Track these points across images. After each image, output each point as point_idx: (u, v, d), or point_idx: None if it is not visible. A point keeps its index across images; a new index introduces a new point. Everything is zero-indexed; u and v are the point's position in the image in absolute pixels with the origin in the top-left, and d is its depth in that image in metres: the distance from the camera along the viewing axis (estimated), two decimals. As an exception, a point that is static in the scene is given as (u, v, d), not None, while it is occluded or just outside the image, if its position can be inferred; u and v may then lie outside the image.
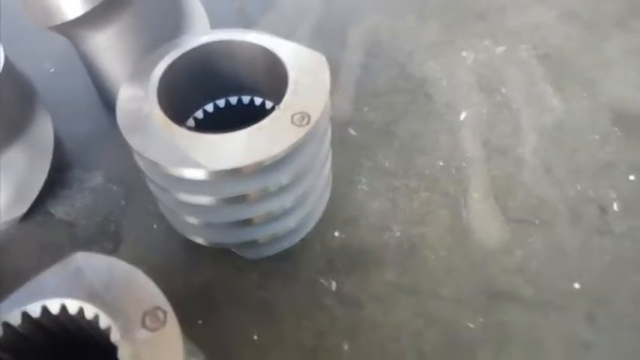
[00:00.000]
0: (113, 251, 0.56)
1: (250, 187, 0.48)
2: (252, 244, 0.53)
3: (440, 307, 0.52)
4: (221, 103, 0.57)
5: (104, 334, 0.37)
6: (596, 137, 0.64)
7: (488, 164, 0.62)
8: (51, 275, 0.38)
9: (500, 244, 0.56)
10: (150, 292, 0.37)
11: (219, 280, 0.54)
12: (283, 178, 0.48)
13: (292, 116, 0.46)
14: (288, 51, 0.51)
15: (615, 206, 0.58)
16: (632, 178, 0.61)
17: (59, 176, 0.63)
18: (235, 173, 0.45)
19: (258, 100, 0.57)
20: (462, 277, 0.54)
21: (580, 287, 0.53)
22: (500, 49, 0.74)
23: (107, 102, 0.69)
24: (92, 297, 0.37)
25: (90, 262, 0.39)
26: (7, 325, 0.37)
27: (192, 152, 0.45)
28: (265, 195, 0.48)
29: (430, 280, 0.54)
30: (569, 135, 0.65)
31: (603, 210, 0.58)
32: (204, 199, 0.49)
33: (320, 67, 0.50)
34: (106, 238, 0.58)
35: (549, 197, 0.59)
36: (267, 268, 0.55)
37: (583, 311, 0.51)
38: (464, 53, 0.73)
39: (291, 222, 0.53)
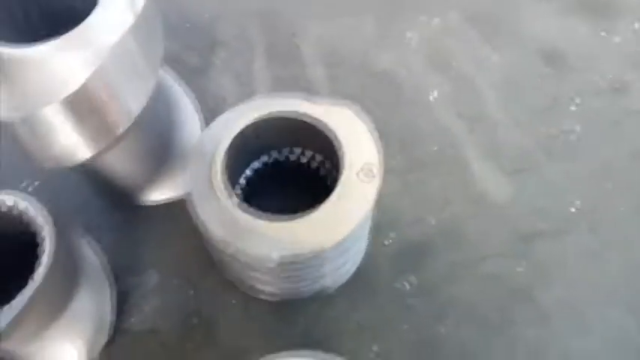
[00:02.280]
0: (210, 343, 0.61)
1: (331, 258, 0.55)
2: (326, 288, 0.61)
3: (490, 265, 0.64)
4: (280, 157, 0.63)
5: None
6: (538, 79, 0.78)
7: (472, 134, 0.73)
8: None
9: (510, 195, 0.69)
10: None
11: (320, 322, 0.61)
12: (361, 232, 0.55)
13: (357, 174, 0.53)
14: (319, 113, 0.56)
15: (574, 133, 0.73)
16: (578, 101, 0.75)
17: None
18: (320, 254, 0.52)
19: (303, 159, 0.62)
20: (496, 235, 0.66)
21: (576, 210, 0.68)
22: (436, 20, 0.83)
23: (114, 201, 0.69)
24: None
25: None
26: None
27: (269, 238, 0.50)
28: (343, 251, 0.56)
29: (474, 250, 0.65)
30: (517, 85, 0.77)
31: (566, 139, 0.73)
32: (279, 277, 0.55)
33: (351, 119, 0.56)
34: (198, 330, 0.62)
35: (526, 144, 0.72)
36: (347, 293, 0.63)
37: (585, 227, 0.66)
38: (408, 34, 0.81)
39: (358, 256, 0.61)
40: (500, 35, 0.81)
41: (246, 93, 0.77)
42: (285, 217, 0.51)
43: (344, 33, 0.82)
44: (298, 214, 0.51)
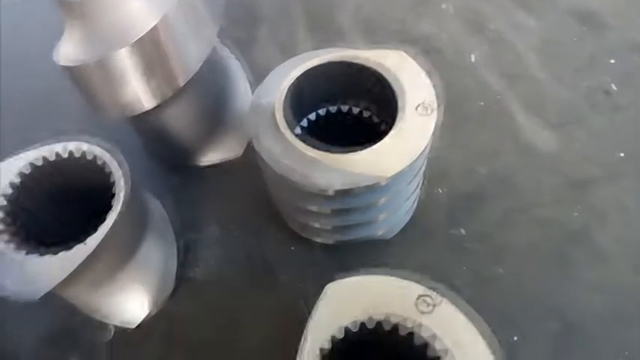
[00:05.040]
0: (273, 287, 0.62)
1: (387, 194, 0.56)
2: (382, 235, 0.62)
3: (545, 210, 0.65)
4: (332, 109, 0.64)
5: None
6: (574, 39, 0.79)
7: (514, 90, 0.75)
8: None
9: (558, 146, 0.70)
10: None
11: (378, 266, 0.62)
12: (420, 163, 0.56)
13: (416, 108, 0.54)
14: (372, 57, 0.58)
15: (613, 87, 0.74)
16: (612, 61, 0.77)
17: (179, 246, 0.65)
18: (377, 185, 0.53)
19: (355, 110, 0.63)
20: (548, 182, 0.67)
21: (624, 155, 0.69)
22: (469, -10, 0.86)
23: (171, 161, 0.71)
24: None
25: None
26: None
27: (331, 168, 0.52)
28: (399, 190, 0.57)
29: (527, 197, 0.66)
30: (556, 46, 0.79)
31: (607, 93, 0.74)
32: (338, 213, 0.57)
33: (405, 60, 0.58)
34: (262, 277, 0.63)
35: (569, 98, 0.74)
36: (403, 239, 0.64)
37: (635, 171, 0.67)
38: (443, 6, 0.84)
39: (411, 203, 0.62)
40: (533, 0, 0.84)
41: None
42: (346, 149, 0.53)
43: (381, 3, 0.85)
44: (358, 147, 0.53)
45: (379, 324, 0.45)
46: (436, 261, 0.62)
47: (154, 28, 0.52)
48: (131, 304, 0.59)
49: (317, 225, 0.60)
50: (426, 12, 0.84)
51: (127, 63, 0.53)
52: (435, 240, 0.64)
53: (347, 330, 0.45)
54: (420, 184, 0.63)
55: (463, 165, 0.69)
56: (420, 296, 0.46)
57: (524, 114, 0.73)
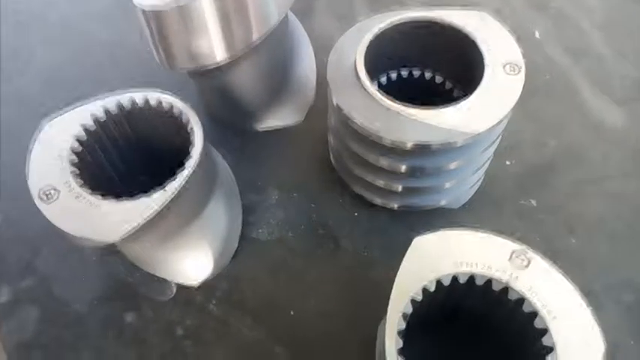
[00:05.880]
0: (336, 251, 0.61)
1: (465, 154, 0.54)
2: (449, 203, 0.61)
3: (615, 183, 0.64)
4: (404, 73, 0.63)
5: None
6: (636, 17, 0.78)
7: (579, 65, 0.73)
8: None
9: (625, 121, 0.68)
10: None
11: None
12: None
13: (503, 67, 0.53)
14: (454, 16, 0.56)
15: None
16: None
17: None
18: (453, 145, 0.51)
19: (427, 75, 0.62)
20: (617, 156, 0.66)
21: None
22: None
23: (233, 124, 0.70)
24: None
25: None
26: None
27: (410, 123, 0.50)
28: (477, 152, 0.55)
29: (596, 169, 0.65)
30: (619, 24, 0.78)
31: (673, 71, 0.73)
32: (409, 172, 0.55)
33: (488, 21, 0.56)
34: (324, 240, 0.61)
35: (632, 75, 0.72)
36: (471, 209, 0.63)
37: None
38: (505, -18, 0.83)
39: (483, 169, 0.61)
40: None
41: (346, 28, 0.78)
42: (425, 106, 0.51)
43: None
44: (439, 105, 0.51)
45: (472, 278, 0.44)
46: (508, 230, 0.60)
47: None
48: (195, 261, 0.58)
49: (386, 186, 0.59)
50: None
51: (207, 12, 0.52)
52: (505, 211, 0.62)
53: (439, 283, 0.43)
54: (491, 157, 0.62)
55: (532, 137, 0.67)
56: (514, 252, 0.44)
57: (590, 89, 0.71)
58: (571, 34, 0.77)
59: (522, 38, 0.74)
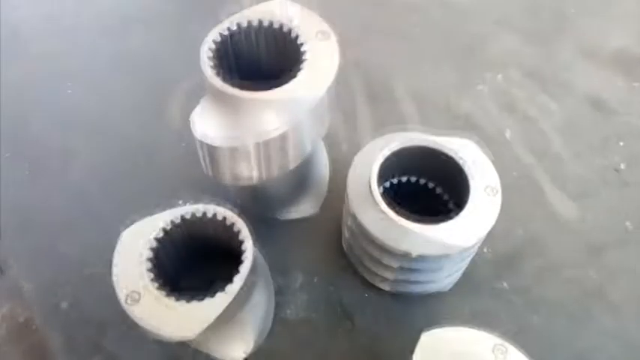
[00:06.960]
0: (352, 329, 0.74)
1: (456, 259, 0.70)
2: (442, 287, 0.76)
3: (569, 270, 0.80)
4: (403, 179, 0.78)
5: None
6: (590, 122, 0.96)
7: (541, 164, 0.90)
8: None
9: (577, 215, 0.85)
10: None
11: (438, 312, 0.76)
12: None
13: (485, 190, 0.68)
14: (445, 142, 0.71)
15: (622, 166, 0.91)
16: (623, 140, 0.93)
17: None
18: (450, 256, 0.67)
19: (428, 184, 0.77)
20: (571, 246, 0.82)
21: (631, 225, 0.84)
22: (499, 76, 1.01)
23: (259, 215, 0.83)
24: None
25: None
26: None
27: (416, 236, 0.65)
28: (467, 255, 0.71)
29: (555, 258, 0.81)
30: (574, 126, 0.95)
31: (617, 171, 0.90)
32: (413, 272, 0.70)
33: (473, 148, 0.72)
34: (342, 320, 0.75)
35: (586, 174, 0.90)
36: (457, 292, 0.78)
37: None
38: (479, 87, 0.99)
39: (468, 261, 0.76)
40: (554, 84, 1.00)
41: (351, 127, 0.94)
42: (427, 219, 0.66)
43: (428, 80, 1.00)
44: (439, 219, 0.66)
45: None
46: (484, 310, 0.76)
47: (284, 134, 0.62)
48: (239, 342, 0.70)
49: (390, 276, 0.73)
50: (465, 92, 0.99)
51: (252, 152, 0.63)
52: (483, 292, 0.78)
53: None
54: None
55: (504, 228, 0.83)
56: (495, 345, 0.59)
57: (550, 186, 0.88)
58: (535, 136, 0.94)
59: (495, 139, 0.91)
